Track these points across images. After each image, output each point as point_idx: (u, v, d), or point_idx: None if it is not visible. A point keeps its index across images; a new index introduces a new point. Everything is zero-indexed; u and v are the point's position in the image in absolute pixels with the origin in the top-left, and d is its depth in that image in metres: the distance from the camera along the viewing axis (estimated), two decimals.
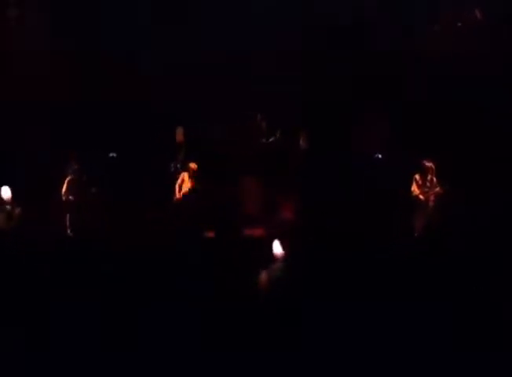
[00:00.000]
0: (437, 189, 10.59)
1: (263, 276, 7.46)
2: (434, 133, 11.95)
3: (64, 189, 10.96)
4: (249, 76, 13.07)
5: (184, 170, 11.55)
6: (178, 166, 12.13)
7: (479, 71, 11.96)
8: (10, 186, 10.44)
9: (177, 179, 11.50)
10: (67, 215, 10.89)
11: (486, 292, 7.26)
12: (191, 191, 11.32)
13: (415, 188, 10.66)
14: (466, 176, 11.05)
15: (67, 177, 11.04)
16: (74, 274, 7.99)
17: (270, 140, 12.65)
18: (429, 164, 10.59)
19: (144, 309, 6.99)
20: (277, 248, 7.92)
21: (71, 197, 10.91)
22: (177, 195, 11.39)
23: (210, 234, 10.56)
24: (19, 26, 12.54)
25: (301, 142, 12.63)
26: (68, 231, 10.84)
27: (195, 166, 11.42)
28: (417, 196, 10.61)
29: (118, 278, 7.88)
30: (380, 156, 12.53)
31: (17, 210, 10.35)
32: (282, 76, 12.74)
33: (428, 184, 10.61)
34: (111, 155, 12.68)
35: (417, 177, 10.66)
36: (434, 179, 10.60)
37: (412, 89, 12.43)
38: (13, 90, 11.86)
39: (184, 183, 11.40)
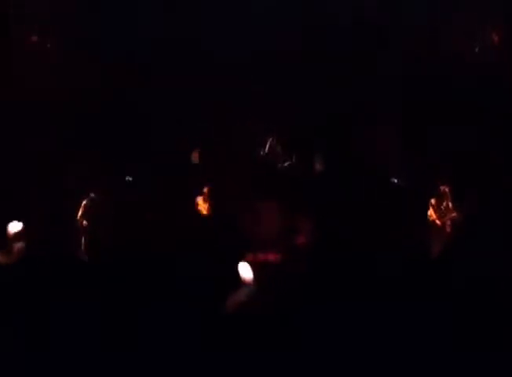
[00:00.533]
0: (454, 214, 10.50)
1: (231, 299, 7.17)
2: (437, 135, 11.94)
3: (80, 213, 10.98)
4: (249, 76, 13.09)
5: (199, 194, 11.66)
6: (193, 189, 12.12)
7: (480, 72, 11.96)
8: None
9: (192, 203, 11.60)
10: (82, 239, 10.95)
11: (486, 292, 7.26)
12: (205, 214, 11.40)
13: (431, 213, 10.58)
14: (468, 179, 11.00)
15: (82, 201, 11.05)
16: (78, 277, 8.01)
17: (286, 164, 12.69)
18: (445, 189, 10.52)
19: (144, 309, 6.99)
20: (245, 272, 7.40)
21: (85, 222, 10.91)
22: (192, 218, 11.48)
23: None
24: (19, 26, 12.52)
25: (315, 164, 12.65)
26: (83, 254, 10.91)
27: (209, 189, 11.51)
28: (433, 221, 10.53)
29: (120, 279, 7.89)
30: (396, 181, 12.44)
31: (18, 246, 10.17)
32: (282, 77, 12.75)
33: (444, 209, 10.52)
34: (127, 178, 12.65)
35: (433, 201, 10.59)
36: (450, 204, 10.52)
37: (413, 89, 12.43)
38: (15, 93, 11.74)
39: (199, 206, 11.49)
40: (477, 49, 12.33)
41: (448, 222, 10.49)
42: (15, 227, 10.06)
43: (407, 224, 10.72)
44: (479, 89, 12.02)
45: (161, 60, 12.87)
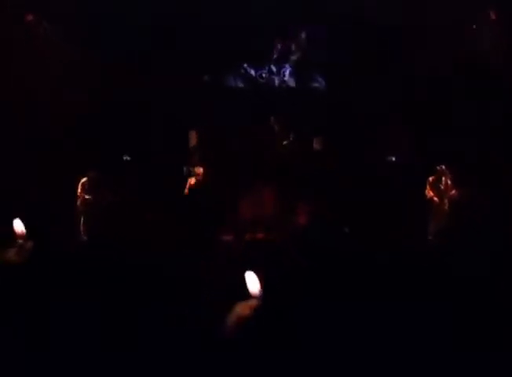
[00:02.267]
0: (453, 192, 10.43)
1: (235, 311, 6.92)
2: (439, 132, 11.95)
3: (79, 190, 11.00)
4: (248, 76, 13.12)
5: (192, 175, 11.66)
6: (190, 169, 12.10)
7: (479, 71, 11.97)
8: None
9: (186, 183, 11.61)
10: (81, 217, 10.97)
11: (486, 292, 7.27)
12: (196, 194, 11.38)
13: (428, 191, 10.52)
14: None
15: (80, 179, 11.06)
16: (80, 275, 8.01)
17: (284, 143, 12.65)
18: (443, 167, 10.46)
19: (144, 309, 7.00)
20: (252, 283, 6.72)
21: (87, 196, 10.93)
22: (186, 198, 11.48)
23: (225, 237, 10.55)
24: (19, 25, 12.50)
25: (314, 144, 12.64)
26: (82, 233, 10.93)
27: (201, 170, 11.48)
28: (431, 199, 10.48)
29: (121, 277, 7.89)
30: (394, 159, 12.46)
31: (29, 244, 10.21)
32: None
33: (442, 187, 10.46)
34: (125, 158, 12.68)
35: (430, 179, 10.53)
36: (449, 182, 10.45)
37: (413, 88, 12.45)
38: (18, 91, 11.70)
39: (192, 187, 11.48)
40: (476, 49, 12.33)
41: (446, 201, 10.42)
42: (18, 226, 10.06)
43: (406, 204, 10.67)
44: (479, 89, 12.04)
45: (161, 60, 12.89)
